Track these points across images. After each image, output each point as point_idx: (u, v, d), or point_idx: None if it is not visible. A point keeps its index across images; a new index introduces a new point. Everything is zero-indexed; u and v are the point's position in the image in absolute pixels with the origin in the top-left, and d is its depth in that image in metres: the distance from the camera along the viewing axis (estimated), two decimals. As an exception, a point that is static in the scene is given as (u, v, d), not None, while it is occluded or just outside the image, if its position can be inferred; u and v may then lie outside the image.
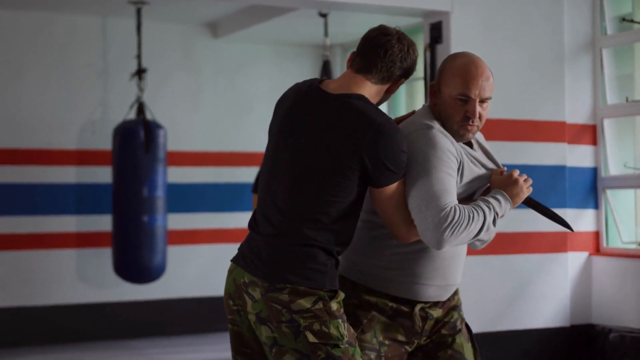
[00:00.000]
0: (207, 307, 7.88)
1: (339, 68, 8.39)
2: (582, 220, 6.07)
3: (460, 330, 3.05)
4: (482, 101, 2.88)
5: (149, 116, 7.18)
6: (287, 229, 2.77)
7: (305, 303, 2.72)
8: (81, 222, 7.55)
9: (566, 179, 6.00)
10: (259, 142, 7.93)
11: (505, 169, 2.97)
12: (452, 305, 3.06)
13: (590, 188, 6.13)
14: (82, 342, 7.46)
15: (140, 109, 7.11)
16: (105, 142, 7.40)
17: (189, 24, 7.95)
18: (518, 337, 5.87)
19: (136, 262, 6.96)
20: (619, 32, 6.11)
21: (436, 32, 5.80)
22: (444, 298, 3.02)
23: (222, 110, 8.11)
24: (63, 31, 7.52)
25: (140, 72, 7.19)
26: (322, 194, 2.75)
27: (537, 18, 5.94)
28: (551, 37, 5.97)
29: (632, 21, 5.98)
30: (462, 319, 3.10)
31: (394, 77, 2.85)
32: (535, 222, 5.76)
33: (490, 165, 2.98)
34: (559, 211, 3.07)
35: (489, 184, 2.96)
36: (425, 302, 2.99)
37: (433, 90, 2.95)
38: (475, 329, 3.12)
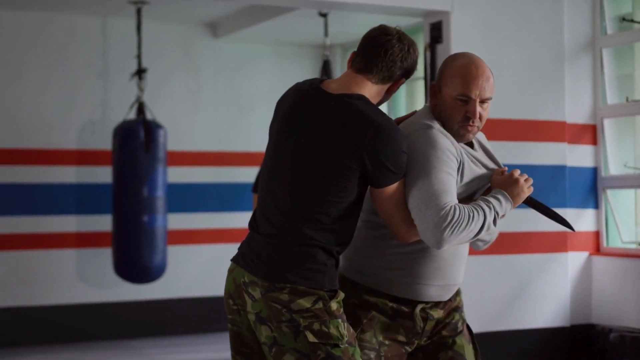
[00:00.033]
0: (207, 307, 7.88)
1: (339, 68, 8.39)
2: (582, 220, 6.07)
3: (461, 331, 3.05)
4: (482, 101, 2.88)
5: (149, 116, 7.18)
6: (287, 228, 2.77)
7: (305, 303, 2.72)
8: (81, 222, 7.55)
9: (566, 178, 6.00)
10: (259, 142, 7.93)
11: (506, 168, 2.97)
12: (453, 307, 3.06)
13: (591, 188, 6.13)
14: (82, 342, 7.46)
15: (140, 109, 7.11)
16: (105, 142, 7.40)
17: (189, 24, 7.95)
18: (518, 337, 5.87)
19: (136, 262, 6.96)
20: (619, 32, 6.11)
21: (436, 32, 5.80)
22: (446, 298, 3.02)
23: (222, 110, 8.11)
24: (63, 31, 7.52)
25: (140, 72, 7.19)
26: (322, 194, 2.75)
27: (537, 18, 5.94)
28: (551, 37, 5.97)
29: (632, 21, 5.98)
30: (464, 321, 3.10)
31: (395, 77, 2.84)
32: (536, 222, 5.76)
33: (491, 165, 2.98)
34: (559, 211, 3.07)
35: (490, 184, 2.96)
36: (426, 303, 2.98)
37: (433, 90, 2.95)
38: (475, 329, 3.11)
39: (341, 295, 2.81)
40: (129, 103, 7.31)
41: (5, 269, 7.30)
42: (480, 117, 2.89)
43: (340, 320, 2.75)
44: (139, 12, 7.21)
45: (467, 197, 2.92)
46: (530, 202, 2.97)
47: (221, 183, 8.10)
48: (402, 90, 7.81)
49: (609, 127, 6.14)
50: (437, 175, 2.76)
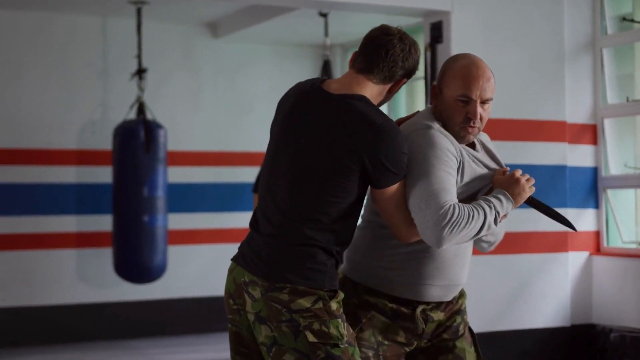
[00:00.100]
0: (207, 307, 7.88)
1: (339, 68, 8.39)
2: (582, 220, 6.07)
3: (462, 335, 3.04)
4: (483, 102, 2.88)
5: (149, 116, 7.18)
6: (287, 228, 2.77)
7: (305, 303, 2.72)
8: (81, 222, 7.55)
9: (566, 178, 6.00)
10: (259, 142, 7.93)
11: (508, 169, 2.97)
12: (455, 309, 3.06)
13: (591, 188, 6.13)
14: (83, 342, 7.46)
15: (141, 109, 7.11)
16: (105, 142, 7.40)
17: (189, 24, 7.95)
18: (518, 337, 5.87)
19: (136, 262, 6.96)
20: (619, 32, 6.11)
21: (436, 32, 5.80)
22: (448, 298, 3.01)
23: (222, 110, 8.11)
24: (63, 31, 7.52)
25: (140, 72, 7.19)
26: (322, 194, 2.75)
27: (537, 18, 5.94)
28: (551, 36, 5.97)
29: (632, 21, 5.98)
30: (466, 324, 3.09)
31: (396, 77, 2.84)
32: (536, 222, 5.76)
33: (493, 165, 2.98)
34: (559, 211, 3.06)
35: (491, 184, 2.96)
36: (427, 304, 2.98)
37: (434, 91, 2.95)
38: (475, 329, 3.11)
39: (341, 295, 2.81)
40: (129, 103, 7.31)
41: (5, 269, 7.30)
42: (481, 118, 2.89)
43: (340, 320, 2.76)
44: (139, 12, 7.21)
45: (469, 197, 2.92)
46: (532, 202, 2.97)
47: (221, 183, 8.10)
48: (403, 90, 7.81)
49: (609, 127, 6.14)
50: (437, 175, 2.76)
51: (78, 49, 7.56)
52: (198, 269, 7.92)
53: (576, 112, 6.09)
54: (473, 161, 2.91)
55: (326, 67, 7.13)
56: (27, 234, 7.38)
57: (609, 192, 6.11)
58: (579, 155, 6.09)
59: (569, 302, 5.99)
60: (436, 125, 2.87)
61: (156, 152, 6.98)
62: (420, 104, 7.60)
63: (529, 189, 2.90)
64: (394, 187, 2.78)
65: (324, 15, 7.09)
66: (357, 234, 3.02)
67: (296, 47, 8.39)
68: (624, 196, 6.15)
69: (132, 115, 7.20)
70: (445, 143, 2.82)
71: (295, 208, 2.77)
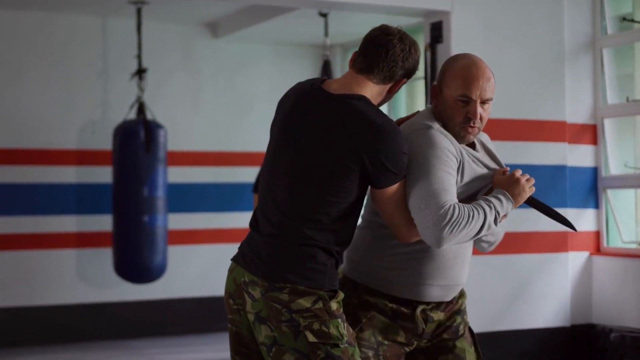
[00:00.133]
0: (207, 307, 7.88)
1: (339, 68, 8.39)
2: (582, 220, 6.07)
3: (462, 335, 3.04)
4: (483, 102, 2.88)
5: (149, 116, 7.18)
6: (287, 228, 2.77)
7: (305, 303, 2.72)
8: (81, 222, 7.55)
9: (567, 178, 6.00)
10: (259, 142, 7.93)
11: (508, 169, 2.97)
12: (455, 309, 3.05)
13: (591, 188, 6.13)
14: (83, 342, 7.46)
15: (141, 109, 7.11)
16: (105, 142, 7.40)
17: (189, 24, 7.95)
18: (518, 337, 5.87)
19: (136, 262, 6.96)
20: (619, 32, 6.11)
21: (436, 32, 5.80)
22: (448, 299, 3.01)
23: (222, 110, 8.10)
24: (63, 31, 7.52)
25: (140, 72, 7.18)
26: (322, 194, 2.75)
27: (537, 18, 5.94)
28: (551, 36, 5.97)
29: (632, 21, 5.98)
30: (466, 324, 3.09)
31: (396, 77, 2.84)
32: (536, 222, 5.76)
33: (493, 165, 2.98)
34: (559, 211, 3.06)
35: (491, 184, 2.96)
36: (427, 304, 2.98)
37: (434, 92, 2.95)
38: (475, 329, 3.11)
39: (341, 295, 2.81)
40: (129, 103, 7.31)
41: (5, 269, 7.30)
42: (481, 118, 2.89)
43: (340, 320, 2.76)
44: (139, 12, 7.21)
45: (469, 197, 2.92)
46: (532, 202, 2.97)
47: (221, 183, 8.10)
48: (403, 90, 7.81)
49: (609, 127, 6.14)
50: (437, 174, 2.76)
51: (78, 49, 7.56)
52: (198, 269, 7.92)
53: (576, 112, 6.09)
54: (473, 161, 2.91)
55: (326, 67, 7.13)
56: (27, 234, 7.38)
57: (609, 192, 6.11)
58: (579, 155, 6.09)
59: (569, 302, 5.99)
60: (436, 125, 2.87)
61: (156, 152, 6.98)
62: (420, 104, 7.60)
63: (529, 189, 2.90)
64: (394, 187, 2.78)
65: (324, 15, 7.09)
66: (357, 234, 3.02)
67: (296, 47, 8.39)
68: (624, 196, 6.15)
69: (132, 115, 7.20)
70: (445, 143, 2.82)
71: (295, 208, 2.77)
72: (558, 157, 5.97)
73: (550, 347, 5.94)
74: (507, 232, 5.65)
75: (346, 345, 2.75)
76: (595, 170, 6.14)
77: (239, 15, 7.58)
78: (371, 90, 2.83)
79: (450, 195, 2.76)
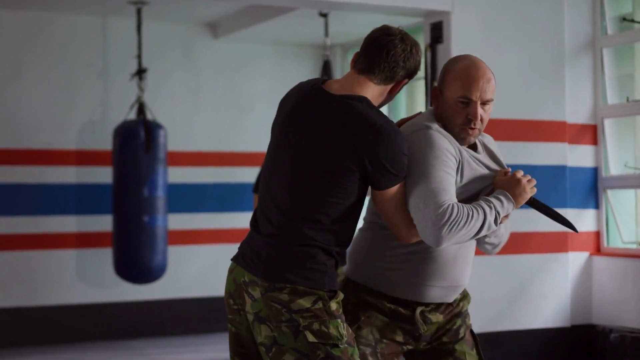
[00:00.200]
0: (207, 308, 7.88)
1: (340, 68, 8.39)
2: (582, 220, 6.07)
3: (462, 338, 3.04)
4: (483, 103, 2.88)
5: (149, 116, 7.17)
6: (287, 228, 2.78)
7: (304, 303, 2.72)
8: (81, 222, 7.55)
9: (567, 179, 6.00)
10: (259, 142, 7.93)
11: (510, 169, 2.97)
12: (455, 312, 3.05)
13: (591, 188, 6.13)
14: (83, 342, 7.46)
15: (141, 109, 7.10)
16: (105, 142, 7.40)
17: (189, 24, 7.95)
18: (518, 337, 5.87)
19: (136, 262, 6.96)
20: (619, 32, 6.11)
21: (437, 32, 5.80)
22: (448, 300, 3.01)
23: (222, 110, 8.10)
24: (63, 31, 7.52)
25: (140, 72, 7.18)
26: (322, 195, 2.75)
27: (537, 18, 5.94)
28: (551, 37, 5.97)
29: (632, 21, 5.98)
30: (467, 327, 3.08)
31: (397, 77, 2.84)
32: (536, 222, 5.76)
33: (494, 167, 2.98)
34: (559, 211, 3.06)
35: (492, 185, 2.96)
36: (426, 305, 2.98)
37: (435, 93, 2.95)
38: (475, 329, 3.11)
39: (340, 295, 2.81)
40: (129, 103, 7.31)
41: (5, 269, 7.30)
42: (482, 119, 2.89)
43: (339, 320, 2.76)
44: (139, 12, 7.21)
45: (470, 197, 2.92)
46: (533, 203, 2.97)
47: (221, 183, 8.10)
48: (403, 90, 7.77)
49: (609, 127, 6.14)
50: (436, 174, 2.76)
51: (78, 49, 7.56)
52: (198, 269, 7.92)
53: (576, 112, 6.08)
54: (473, 162, 2.91)
55: (326, 67, 7.13)
56: (27, 234, 7.38)
57: (609, 192, 6.11)
58: (579, 156, 6.09)
59: (569, 302, 5.99)
60: (435, 126, 2.87)
61: (156, 152, 6.98)
62: (420, 105, 7.61)
63: (530, 189, 2.90)
64: (394, 189, 2.78)
65: (324, 15, 7.09)
66: (359, 236, 3.03)
67: (296, 47, 8.39)
68: (624, 196, 6.15)
69: (132, 115, 7.20)
70: (444, 143, 2.82)
71: (295, 208, 2.77)
72: (558, 157, 5.97)
73: (550, 347, 5.94)
74: (507, 232, 5.67)
75: (346, 345, 2.75)
76: (595, 171, 6.14)
77: (239, 16, 7.58)
78: (372, 90, 2.83)
79: (449, 195, 2.76)
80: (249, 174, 7.97)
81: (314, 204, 2.76)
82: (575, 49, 6.08)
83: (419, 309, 2.97)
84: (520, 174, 2.91)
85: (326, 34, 7.17)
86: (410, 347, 3.01)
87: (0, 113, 7.33)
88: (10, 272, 7.31)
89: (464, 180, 2.88)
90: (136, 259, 6.95)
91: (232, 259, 2.91)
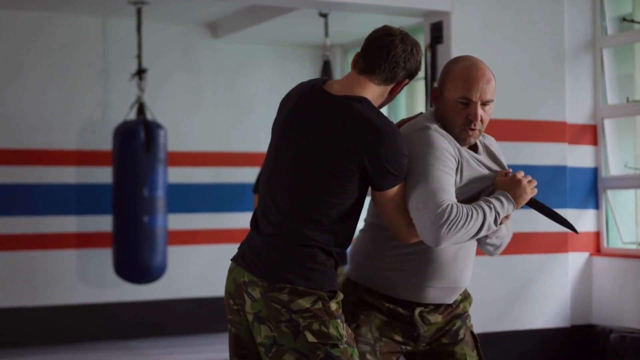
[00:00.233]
0: (207, 308, 7.88)
1: (340, 68, 8.39)
2: (582, 220, 6.07)
3: (462, 339, 3.04)
4: (483, 104, 2.88)
5: (149, 116, 7.17)
6: (287, 228, 2.78)
7: (304, 303, 2.72)
8: (81, 223, 7.55)
9: (567, 179, 6.00)
10: (259, 143, 7.93)
11: (511, 170, 2.97)
12: (455, 313, 3.05)
13: (591, 188, 6.13)
14: (83, 343, 7.46)
15: (141, 109, 7.10)
16: (105, 142, 7.40)
17: (189, 24, 7.95)
18: (518, 338, 5.87)
19: (136, 263, 6.96)
20: (619, 32, 6.11)
21: (437, 32, 5.80)
22: (448, 301, 3.01)
23: (222, 110, 8.10)
24: (63, 31, 7.52)
25: (140, 72, 7.18)
26: (322, 195, 2.75)
27: (537, 18, 5.94)
28: (551, 37, 5.97)
29: (632, 21, 5.98)
30: (467, 328, 3.08)
31: (398, 78, 2.84)
32: (536, 223, 5.76)
33: (495, 167, 2.98)
34: (559, 211, 3.06)
35: (493, 186, 2.95)
36: (425, 306, 2.98)
37: (435, 94, 2.95)
38: (475, 329, 3.11)
39: (340, 296, 2.81)
40: (129, 103, 7.31)
41: (5, 270, 7.30)
42: (482, 120, 2.89)
43: (339, 320, 2.76)
44: (139, 12, 7.21)
45: (471, 198, 2.92)
46: (533, 204, 2.96)
47: (221, 183, 8.10)
48: (403, 91, 7.78)
49: (609, 128, 6.14)
50: (435, 174, 2.76)
51: (78, 49, 7.56)
52: (198, 269, 7.92)
53: (576, 113, 6.08)
54: (473, 162, 2.91)
55: (326, 67, 7.12)
56: (27, 234, 7.38)
57: (609, 192, 6.11)
58: (579, 156, 6.09)
59: (569, 302, 5.99)
60: (434, 126, 2.87)
61: (156, 152, 6.97)
62: (420, 105, 7.61)
63: (530, 190, 2.90)
64: (394, 189, 2.78)
65: (324, 15, 7.09)
66: (359, 237, 3.04)
67: (296, 47, 8.39)
68: (624, 197, 6.15)
69: (132, 115, 7.20)
70: (443, 143, 2.82)
71: (295, 208, 2.77)
72: (558, 157, 5.97)
73: (550, 347, 5.94)
74: (507, 232, 5.67)
75: (345, 345, 2.75)
76: (595, 171, 6.14)
77: (239, 16, 7.58)
78: (373, 91, 2.83)
79: (448, 194, 2.76)
80: (249, 174, 7.97)
81: (314, 204, 2.76)
82: (575, 49, 6.08)
83: (417, 310, 2.97)
84: (520, 174, 2.91)
85: (326, 34, 7.17)
86: (409, 347, 3.01)
87: (0, 113, 7.33)
88: (10, 272, 7.31)
89: (464, 181, 2.88)
90: (136, 259, 6.95)
91: (232, 259, 2.91)
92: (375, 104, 2.83)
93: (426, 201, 2.73)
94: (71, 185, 7.52)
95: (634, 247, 6.03)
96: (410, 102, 7.90)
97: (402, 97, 7.98)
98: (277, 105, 2.99)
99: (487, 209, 2.79)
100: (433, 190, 2.74)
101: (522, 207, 2.93)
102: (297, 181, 2.78)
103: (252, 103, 8.19)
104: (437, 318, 3.01)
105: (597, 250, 6.13)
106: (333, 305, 2.76)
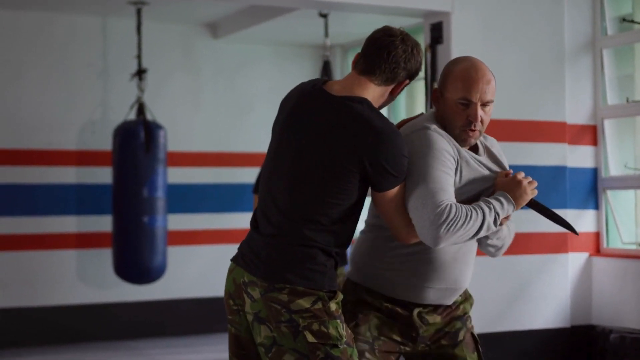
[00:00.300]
0: (207, 308, 7.88)
1: (339, 69, 8.39)
2: (582, 220, 6.07)
3: (461, 341, 3.04)
4: (483, 105, 2.88)
5: (149, 116, 7.17)
6: (287, 229, 2.78)
7: (304, 303, 2.73)
8: (81, 223, 7.55)
9: (566, 179, 6.00)
10: (259, 143, 7.93)
11: (511, 171, 2.97)
12: (456, 315, 3.05)
13: (591, 189, 6.13)
14: (83, 343, 7.46)
15: (141, 109, 7.10)
16: (105, 143, 7.40)
17: (189, 24, 7.95)
18: (518, 338, 5.87)
19: (136, 263, 6.96)
20: (619, 33, 6.11)
21: (437, 33, 5.80)
22: (446, 302, 3.01)
23: (222, 110, 8.10)
24: (63, 31, 7.52)
25: (140, 73, 7.18)
26: (322, 195, 2.75)
27: (537, 18, 5.94)
28: (551, 37, 5.97)
29: (632, 21, 5.98)
30: (468, 330, 3.08)
31: (398, 78, 2.84)
32: (536, 223, 5.76)
33: (495, 168, 2.98)
34: (559, 212, 3.06)
35: (493, 187, 2.95)
36: (424, 307, 2.99)
37: (435, 95, 2.95)
38: (475, 330, 3.12)
39: (340, 296, 2.82)
40: (129, 103, 7.31)
41: (5, 270, 7.30)
42: (482, 121, 2.89)
43: (339, 320, 2.76)
44: (139, 12, 7.21)
45: (471, 199, 2.92)
46: (534, 205, 2.96)
47: (221, 184, 8.10)
48: (403, 91, 7.79)
49: (609, 128, 6.14)
50: (434, 174, 2.77)
51: (78, 49, 7.56)
52: (198, 269, 7.92)
53: (576, 113, 6.08)
54: (474, 163, 2.91)
55: (326, 67, 7.12)
56: (27, 234, 7.38)
57: (609, 193, 6.11)
58: (579, 156, 6.09)
59: (569, 303, 5.99)
60: (433, 126, 2.87)
61: (156, 152, 6.98)
62: (420, 105, 7.61)
63: (531, 191, 2.90)
64: (394, 190, 2.78)
65: (324, 15, 7.09)
66: (360, 238, 3.05)
67: (296, 47, 8.39)
68: (623, 197, 6.15)
69: (132, 115, 7.20)
70: (442, 144, 2.82)
71: (295, 208, 2.77)
72: (558, 158, 5.97)
73: (550, 348, 5.94)
74: (507, 232, 5.66)
75: (345, 346, 2.75)
76: (595, 171, 6.14)
77: (239, 16, 7.58)
78: (373, 91, 2.83)
79: (447, 194, 2.76)
80: (249, 175, 7.97)
81: (314, 205, 2.76)
82: (575, 49, 6.08)
83: (416, 310, 2.97)
84: (521, 175, 2.91)
85: (326, 35, 7.17)
86: (407, 348, 3.01)
87: (0, 113, 7.33)
88: (10, 273, 7.31)
89: (463, 181, 2.88)
90: (136, 259, 6.95)
91: (231, 260, 2.91)
92: (376, 104, 2.83)
93: (425, 201, 2.73)
94: (71, 186, 7.52)
95: (633, 247, 6.03)
96: (410, 102, 7.90)
97: (402, 97, 7.98)
98: (277, 105, 2.99)
99: (486, 210, 2.79)
100: (432, 190, 2.74)
101: (522, 208, 2.93)
102: (297, 181, 2.78)
103: (252, 103, 8.19)
104: (435, 319, 3.01)
105: (597, 250, 6.13)
106: (333, 306, 2.76)
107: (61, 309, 7.45)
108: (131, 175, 6.93)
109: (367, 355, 2.92)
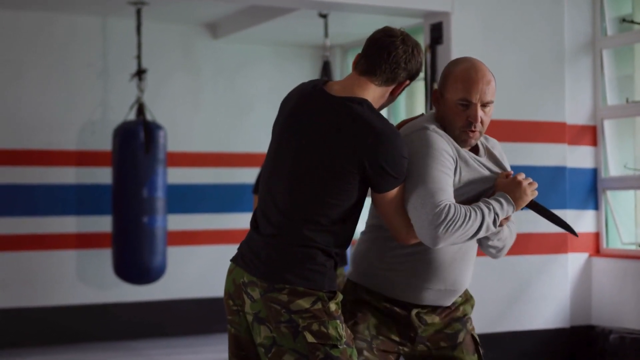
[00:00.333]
0: (207, 308, 7.88)
1: (339, 69, 8.39)
2: (582, 221, 6.07)
3: (460, 342, 3.04)
4: (483, 105, 2.88)
5: (149, 117, 7.17)
6: (287, 229, 2.78)
7: (304, 303, 2.73)
8: (81, 223, 7.55)
9: (566, 180, 6.00)
10: (258, 143, 7.93)
11: (512, 172, 2.97)
12: (455, 316, 3.05)
13: (591, 189, 6.13)
14: (83, 343, 7.46)
15: (140, 109, 7.10)
16: (105, 143, 7.40)
17: (189, 24, 7.95)
18: (518, 338, 5.87)
19: (136, 263, 6.96)
20: (619, 33, 6.12)
21: (437, 33, 5.80)
22: (445, 303, 3.01)
23: (222, 110, 8.10)
24: (63, 31, 7.52)
25: (140, 73, 7.18)
26: (322, 196, 2.75)
27: (537, 18, 5.94)
28: (551, 37, 5.97)
29: (632, 22, 5.98)
30: (468, 331, 3.07)
31: (399, 79, 2.84)
32: (536, 223, 5.75)
33: (496, 169, 2.98)
34: (559, 212, 3.06)
35: (494, 188, 2.95)
36: (423, 308, 2.99)
37: (436, 96, 2.95)
38: (475, 330, 3.12)
39: (340, 296, 2.82)
40: (129, 103, 7.30)
41: (5, 270, 7.30)
42: (482, 122, 2.89)
43: (338, 321, 2.76)
44: (139, 12, 7.21)
45: (471, 199, 2.91)
46: (534, 206, 2.96)
47: (221, 184, 8.10)
48: (403, 91, 7.79)
49: (609, 128, 6.14)
50: (433, 174, 2.77)
51: (78, 49, 7.56)
52: (198, 270, 7.92)
53: (576, 113, 6.09)
54: (474, 163, 2.91)
55: (326, 67, 7.12)
56: (27, 234, 7.38)
57: (609, 193, 6.11)
58: (578, 157, 6.09)
59: (569, 303, 5.99)
60: (432, 127, 2.87)
61: (156, 153, 6.97)
62: (420, 106, 7.61)
63: (531, 192, 2.89)
64: (394, 191, 2.78)
65: (323, 16, 7.09)
66: (361, 238, 3.05)
67: (296, 48, 8.39)
68: (623, 197, 6.15)
69: (132, 116, 7.20)
70: (441, 144, 2.82)
71: (295, 209, 2.77)
72: (558, 158, 5.97)
73: (550, 348, 5.94)
74: (507, 233, 5.66)
75: (345, 346, 2.75)
76: (594, 172, 6.15)
77: (239, 16, 7.58)
78: (373, 92, 2.83)
79: (446, 194, 2.76)
80: (249, 175, 7.97)
81: (314, 205, 2.76)
82: (575, 49, 6.08)
83: (414, 310, 2.98)
84: (521, 176, 2.90)
85: (326, 35, 7.17)
86: (406, 348, 3.01)
87: (0, 113, 7.33)
88: (10, 273, 7.31)
89: (463, 181, 2.88)
90: (136, 259, 6.95)
91: (231, 260, 2.91)
92: (376, 105, 2.83)
93: (424, 201, 2.73)
94: (71, 186, 7.52)
95: (633, 247, 6.03)
96: (410, 102, 7.90)
97: (402, 98, 7.98)
98: (277, 105, 2.99)
99: (486, 210, 2.79)
100: (431, 190, 2.74)
101: (522, 209, 2.93)
102: (297, 182, 2.78)
103: (252, 103, 8.19)
104: (434, 319, 3.01)
105: (597, 251, 6.13)
106: (332, 306, 2.76)
107: (61, 309, 7.45)
108: (131, 176, 6.93)
109: (366, 353, 2.93)
